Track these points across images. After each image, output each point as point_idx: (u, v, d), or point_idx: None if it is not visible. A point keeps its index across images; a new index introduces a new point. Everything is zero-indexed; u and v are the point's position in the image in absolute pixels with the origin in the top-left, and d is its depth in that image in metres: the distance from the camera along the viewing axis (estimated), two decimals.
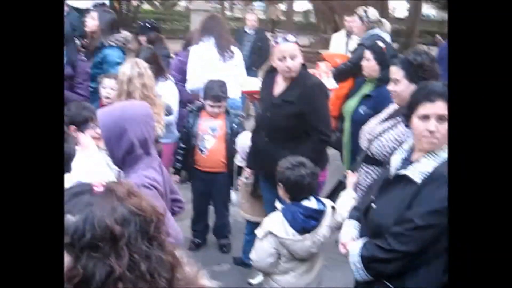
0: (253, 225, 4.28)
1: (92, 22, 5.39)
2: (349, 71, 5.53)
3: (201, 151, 4.78)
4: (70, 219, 1.37)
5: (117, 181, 1.52)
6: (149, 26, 6.70)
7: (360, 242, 2.64)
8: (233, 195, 4.88)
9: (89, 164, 3.22)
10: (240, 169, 4.65)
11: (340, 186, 3.66)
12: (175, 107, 5.02)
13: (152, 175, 2.65)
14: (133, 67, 4.21)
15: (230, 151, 4.73)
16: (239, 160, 4.60)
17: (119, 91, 4.24)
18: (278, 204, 3.36)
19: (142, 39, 6.48)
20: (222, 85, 4.78)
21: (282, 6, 30.49)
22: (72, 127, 3.52)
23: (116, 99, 4.21)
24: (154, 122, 2.92)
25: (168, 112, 4.84)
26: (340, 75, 5.74)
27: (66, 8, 9.80)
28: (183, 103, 5.54)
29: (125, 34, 5.42)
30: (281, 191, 3.35)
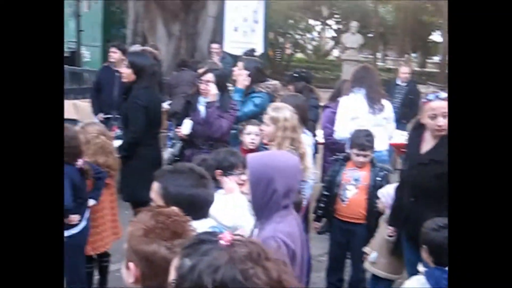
0: (387, 283, 4.12)
1: (238, 71, 5.61)
2: None
3: (342, 200, 4.72)
4: (185, 262, 1.39)
5: (248, 239, 1.48)
6: (297, 75, 6.80)
7: None
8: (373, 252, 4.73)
9: (232, 209, 3.27)
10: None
11: None
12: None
13: (286, 229, 2.61)
14: (293, 116, 4.24)
15: (371, 204, 4.62)
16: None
17: (281, 138, 4.22)
18: (420, 267, 3.18)
19: (291, 88, 6.59)
20: (368, 134, 4.72)
21: (436, 58, 29.84)
22: (218, 172, 3.63)
23: (277, 146, 4.20)
24: (300, 177, 2.90)
25: None
26: None
27: (221, 54, 10.34)
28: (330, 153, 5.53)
29: (274, 82, 5.57)
30: (424, 254, 3.17)
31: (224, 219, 3.32)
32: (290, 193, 2.68)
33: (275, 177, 2.62)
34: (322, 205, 4.87)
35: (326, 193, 4.84)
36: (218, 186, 3.67)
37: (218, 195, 3.56)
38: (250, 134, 4.80)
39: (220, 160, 3.72)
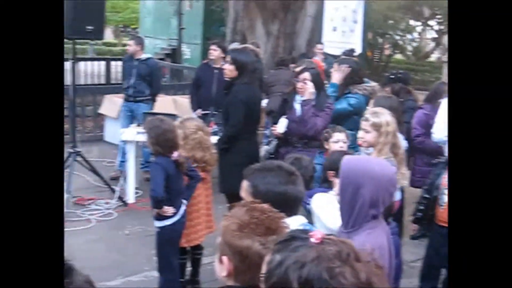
0: None
1: (336, 71, 5.59)
2: None
3: (440, 205, 4.58)
4: (275, 258, 1.39)
5: (340, 239, 1.46)
6: (393, 77, 6.69)
7: None
8: None
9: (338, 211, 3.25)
10: None
11: None
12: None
13: (375, 242, 2.46)
14: (392, 119, 4.12)
15: None
16: None
17: (382, 144, 4.08)
18: None
19: (388, 89, 6.48)
20: None
21: None
22: (331, 173, 3.69)
23: (377, 152, 4.07)
24: (395, 189, 2.78)
25: None
26: None
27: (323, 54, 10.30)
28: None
29: (373, 84, 5.49)
30: None
31: (327, 219, 3.31)
32: (380, 203, 2.56)
33: (364, 184, 2.53)
34: (422, 207, 4.75)
35: (426, 195, 4.73)
36: (330, 186, 3.69)
37: (329, 196, 3.57)
38: (338, 142, 4.68)
39: (332, 162, 3.73)
